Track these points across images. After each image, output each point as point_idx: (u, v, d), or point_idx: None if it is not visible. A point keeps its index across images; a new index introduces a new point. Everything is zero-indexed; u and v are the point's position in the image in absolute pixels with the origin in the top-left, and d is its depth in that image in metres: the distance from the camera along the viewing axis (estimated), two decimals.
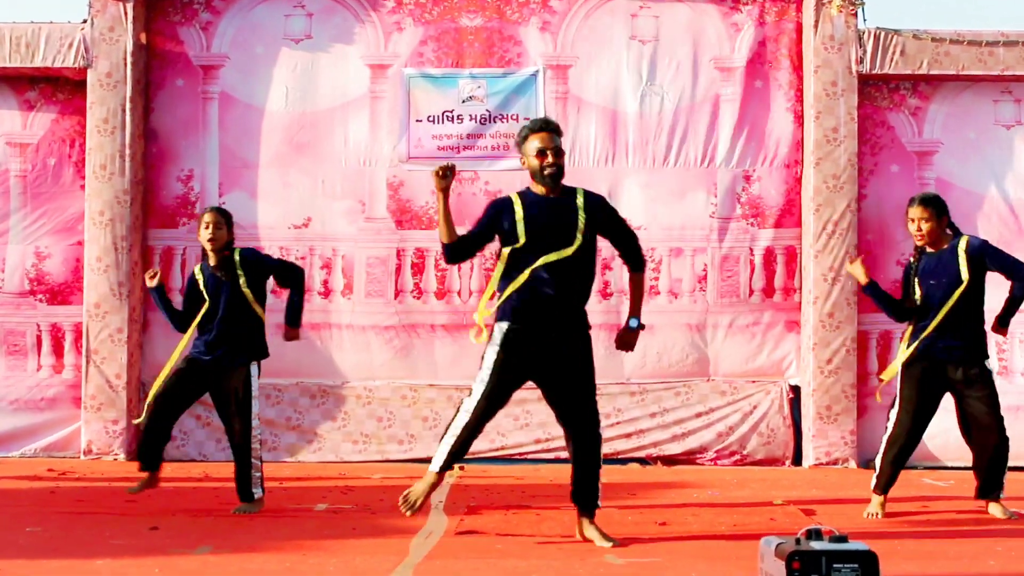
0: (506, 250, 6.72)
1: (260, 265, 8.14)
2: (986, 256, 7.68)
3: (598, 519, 6.81)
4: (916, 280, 7.76)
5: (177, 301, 8.68)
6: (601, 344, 10.71)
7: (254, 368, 7.97)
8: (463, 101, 11.07)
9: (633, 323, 6.99)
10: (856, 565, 5.04)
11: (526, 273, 6.63)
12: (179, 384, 8.00)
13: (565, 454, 10.47)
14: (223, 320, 7.93)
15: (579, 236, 6.68)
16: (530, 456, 10.75)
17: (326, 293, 11.05)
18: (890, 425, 7.79)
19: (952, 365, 7.67)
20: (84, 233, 10.81)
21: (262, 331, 8.08)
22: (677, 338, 10.98)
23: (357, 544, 6.65)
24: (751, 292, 11.00)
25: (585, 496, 6.79)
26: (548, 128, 6.77)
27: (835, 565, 5.04)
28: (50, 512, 7.68)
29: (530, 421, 10.70)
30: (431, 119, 11.07)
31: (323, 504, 8.23)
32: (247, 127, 11.13)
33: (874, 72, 10.77)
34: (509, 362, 6.71)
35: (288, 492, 8.94)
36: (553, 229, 6.67)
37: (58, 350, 10.99)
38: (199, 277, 8.07)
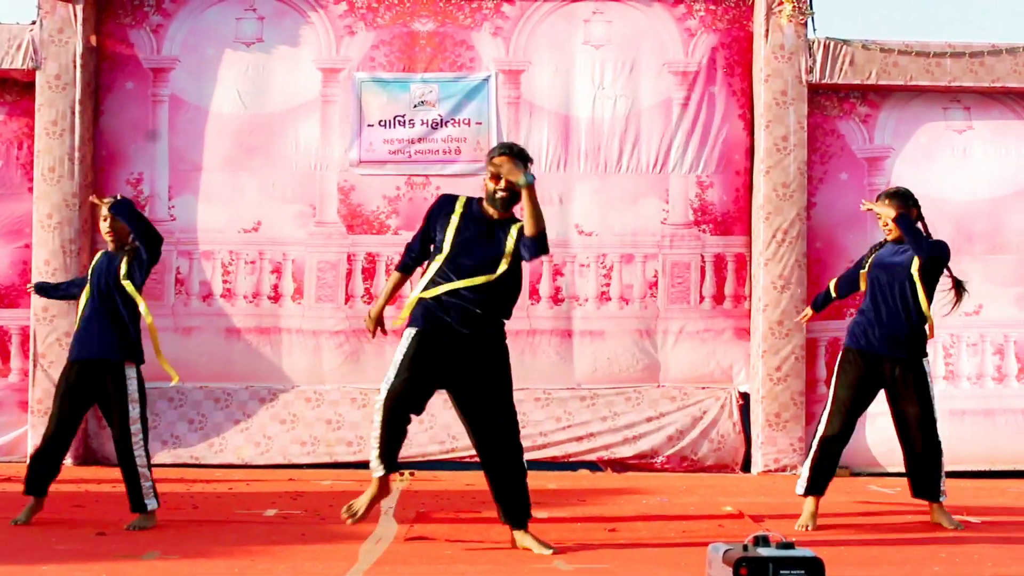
0: (434, 262, 6.69)
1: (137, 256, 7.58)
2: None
3: (533, 528, 6.82)
4: (868, 264, 7.76)
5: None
6: (552, 350, 10.93)
7: (129, 370, 7.47)
8: (415, 106, 11.06)
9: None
10: (803, 571, 5.08)
11: (442, 287, 6.60)
12: (62, 407, 7.49)
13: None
14: (98, 317, 7.47)
15: (504, 263, 6.64)
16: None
17: (276, 297, 11.00)
18: (822, 425, 7.71)
19: (890, 362, 7.67)
20: (32, 236, 10.72)
21: (138, 337, 7.57)
22: (627, 344, 11.01)
23: (306, 550, 6.63)
24: (701, 299, 11.05)
25: (516, 510, 6.74)
26: (511, 153, 6.69)
27: (782, 571, 5.08)
28: None
29: None
30: (383, 123, 11.05)
31: (272, 510, 8.20)
32: (197, 130, 11.07)
33: (824, 82, 10.86)
34: (417, 359, 6.59)
35: (237, 497, 8.91)
36: (478, 251, 6.64)
37: (4, 354, 10.88)
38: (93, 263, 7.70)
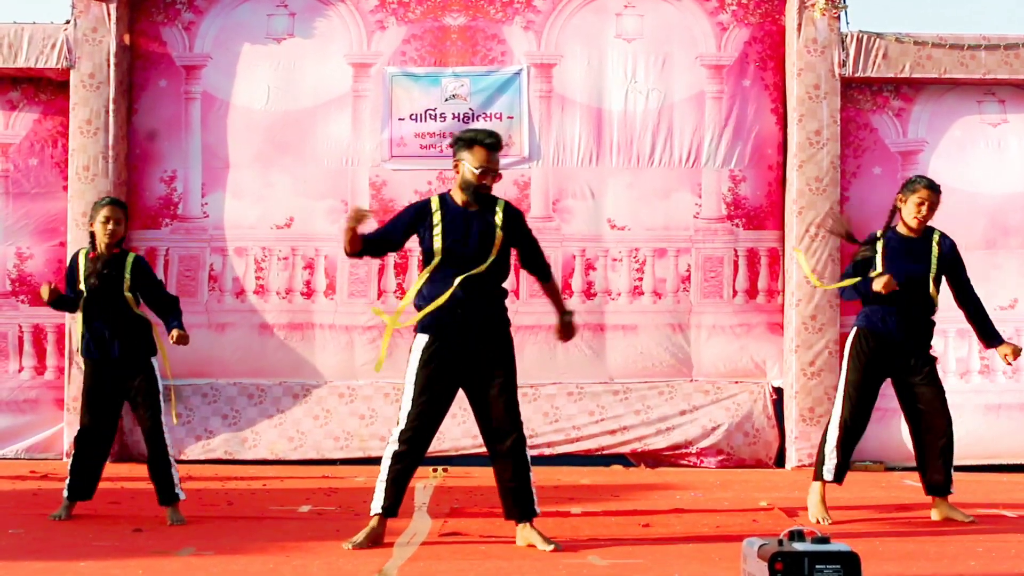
0: (427, 269, 6.61)
1: (147, 277, 7.62)
2: (954, 262, 7.70)
3: (539, 523, 6.76)
4: (881, 258, 7.62)
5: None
6: (585, 344, 10.91)
7: (153, 361, 7.51)
8: (446, 99, 11.07)
9: (565, 317, 6.87)
10: (838, 566, 5.06)
11: (445, 295, 6.51)
12: (97, 406, 7.52)
13: (549, 451, 10.65)
14: (107, 318, 7.45)
15: (494, 253, 6.60)
16: None
17: (308, 293, 11.03)
18: (837, 412, 7.62)
19: (904, 350, 7.58)
20: (67, 234, 10.77)
21: (149, 329, 7.57)
22: (660, 338, 10.99)
23: (341, 546, 6.63)
24: (734, 293, 11.02)
25: (522, 503, 6.67)
26: (498, 146, 6.64)
27: (817, 566, 5.06)
28: (33, 514, 7.65)
29: None
30: (414, 117, 11.06)
31: (307, 506, 8.22)
32: (229, 127, 11.11)
33: (857, 75, 10.80)
34: (432, 377, 6.58)
35: (271, 494, 8.94)
36: (470, 243, 6.58)
37: (40, 351, 10.95)
38: (81, 264, 7.52)
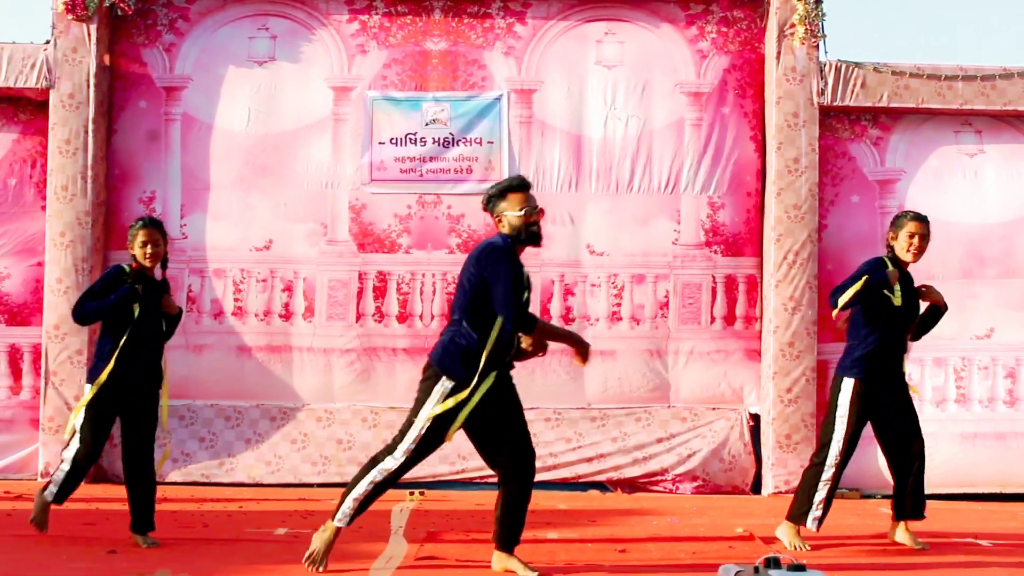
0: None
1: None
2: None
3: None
4: (898, 289, 7.62)
5: None
6: (563, 369, 10.91)
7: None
8: (426, 124, 11.08)
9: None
10: None
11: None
12: (103, 431, 7.45)
13: None
14: (146, 339, 7.44)
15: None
16: (491, 479, 10.67)
17: (287, 316, 11.01)
18: (832, 463, 7.57)
19: (889, 386, 7.61)
20: (45, 254, 10.74)
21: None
22: (638, 364, 11.00)
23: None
24: (712, 320, 11.04)
25: (517, 531, 6.65)
26: (527, 185, 6.61)
27: None
28: (6, 535, 7.61)
29: None
30: (394, 141, 11.07)
31: (283, 528, 8.19)
32: (209, 148, 11.09)
33: (835, 104, 10.87)
34: (448, 416, 6.49)
35: (248, 516, 8.91)
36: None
37: (16, 371, 10.90)
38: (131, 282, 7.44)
